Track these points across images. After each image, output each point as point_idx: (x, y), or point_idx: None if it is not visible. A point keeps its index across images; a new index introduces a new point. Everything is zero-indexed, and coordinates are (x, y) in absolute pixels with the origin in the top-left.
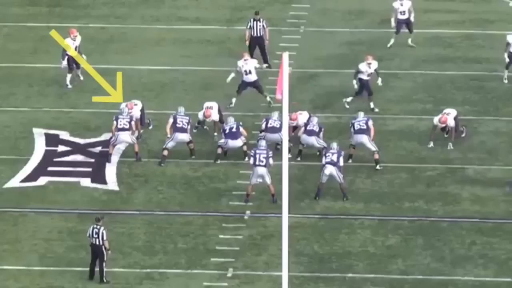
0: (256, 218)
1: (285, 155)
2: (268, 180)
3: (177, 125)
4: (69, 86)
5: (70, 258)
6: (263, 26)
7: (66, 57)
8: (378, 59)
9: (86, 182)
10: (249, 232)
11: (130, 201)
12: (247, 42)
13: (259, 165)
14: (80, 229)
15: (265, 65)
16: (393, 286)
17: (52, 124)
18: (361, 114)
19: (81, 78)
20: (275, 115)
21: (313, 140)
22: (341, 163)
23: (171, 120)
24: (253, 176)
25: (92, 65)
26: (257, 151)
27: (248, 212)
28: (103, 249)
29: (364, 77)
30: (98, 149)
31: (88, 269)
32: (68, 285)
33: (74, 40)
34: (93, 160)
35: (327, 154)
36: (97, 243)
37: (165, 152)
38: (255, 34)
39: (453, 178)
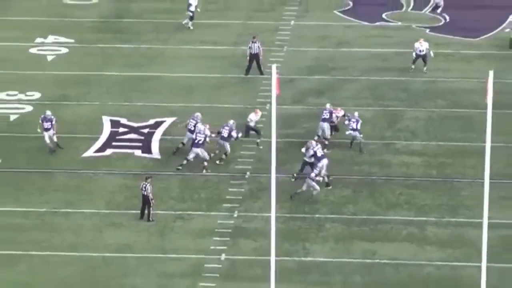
0: (254, 177)
1: (273, 135)
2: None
3: (188, 127)
4: None
5: (127, 204)
6: (258, 46)
7: None
8: (334, 71)
9: (138, 152)
10: (249, 186)
11: (168, 166)
12: (248, 58)
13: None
14: (134, 184)
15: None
16: (346, 223)
17: (115, 113)
18: (355, 114)
19: None
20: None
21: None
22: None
23: (187, 121)
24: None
25: (144, 73)
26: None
27: (248, 173)
28: (150, 198)
29: (418, 52)
30: (146, 130)
31: (139, 211)
32: (126, 223)
33: None
34: (142, 137)
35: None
36: (146, 194)
37: (180, 145)
38: (253, 52)
39: (387, 150)
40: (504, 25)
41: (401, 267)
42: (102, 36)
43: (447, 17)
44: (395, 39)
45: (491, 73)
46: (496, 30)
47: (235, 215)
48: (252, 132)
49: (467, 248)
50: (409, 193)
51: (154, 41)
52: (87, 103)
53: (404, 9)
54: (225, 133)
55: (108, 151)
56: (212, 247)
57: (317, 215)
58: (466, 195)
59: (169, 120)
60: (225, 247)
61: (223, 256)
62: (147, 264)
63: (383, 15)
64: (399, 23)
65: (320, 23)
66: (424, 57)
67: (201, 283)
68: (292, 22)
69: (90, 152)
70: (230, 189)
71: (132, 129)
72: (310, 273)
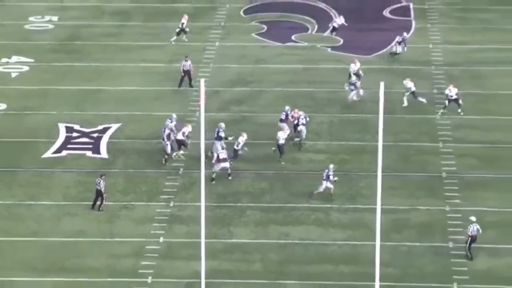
0: (186, 173)
1: (202, 137)
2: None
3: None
4: None
5: (81, 197)
6: (189, 64)
7: None
8: (252, 83)
9: (89, 153)
10: (182, 181)
11: (114, 164)
12: (181, 73)
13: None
14: (86, 180)
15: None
16: (264, 210)
17: (70, 120)
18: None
19: None
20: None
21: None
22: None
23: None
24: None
25: (93, 87)
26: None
27: (181, 169)
28: (102, 192)
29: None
30: (96, 134)
31: (91, 203)
32: (80, 212)
33: None
34: (93, 141)
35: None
36: (99, 188)
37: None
38: (185, 69)
39: (297, 149)
40: (392, 44)
41: (309, 246)
42: (58, 56)
43: (342, 39)
44: (302, 57)
45: (382, 84)
46: (386, 49)
47: (171, 205)
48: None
49: (364, 230)
50: (312, 183)
51: (102, 59)
52: (46, 113)
53: (309, 31)
54: (179, 136)
55: (64, 153)
56: (152, 232)
57: (239, 204)
58: (363, 186)
59: (115, 126)
60: (163, 232)
61: (161, 239)
62: (98, 247)
63: (292, 37)
64: (306, 43)
65: (240, 44)
66: (457, 101)
67: (143, 262)
68: (217, 43)
69: (48, 154)
70: (166, 183)
71: (84, 134)
72: (234, 252)
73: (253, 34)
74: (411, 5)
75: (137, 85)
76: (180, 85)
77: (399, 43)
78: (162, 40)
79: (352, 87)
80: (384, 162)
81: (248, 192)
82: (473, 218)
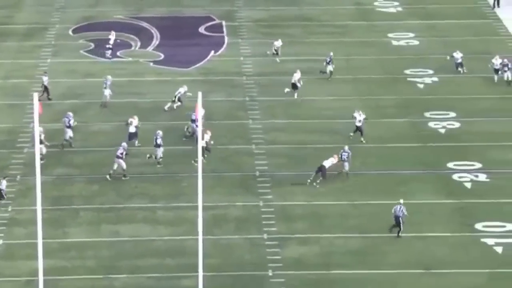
0: (23, 179)
1: (37, 146)
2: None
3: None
4: None
5: None
6: (47, 79)
7: None
8: (82, 96)
9: None
10: (20, 187)
11: None
12: (42, 88)
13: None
14: None
15: None
16: (96, 211)
17: None
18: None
19: None
20: None
21: None
22: None
23: None
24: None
25: None
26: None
27: (18, 176)
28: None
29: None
30: None
31: None
32: None
33: None
34: None
35: None
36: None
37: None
38: (45, 84)
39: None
40: (208, 57)
41: (138, 242)
42: None
43: (162, 54)
44: (127, 71)
45: (200, 93)
46: (202, 62)
47: (10, 209)
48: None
49: (188, 225)
50: (143, 186)
51: None
52: None
53: (133, 48)
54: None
55: None
56: None
57: (73, 206)
58: (185, 185)
59: None
60: (2, 235)
61: (0, 242)
62: None
63: (118, 53)
64: (130, 59)
65: (70, 60)
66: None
67: None
68: (49, 60)
69: None
70: (5, 189)
71: None
72: (70, 251)
73: (81, 51)
74: (224, 23)
75: None
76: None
77: (328, 62)
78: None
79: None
80: (204, 163)
81: (80, 195)
82: (400, 201)
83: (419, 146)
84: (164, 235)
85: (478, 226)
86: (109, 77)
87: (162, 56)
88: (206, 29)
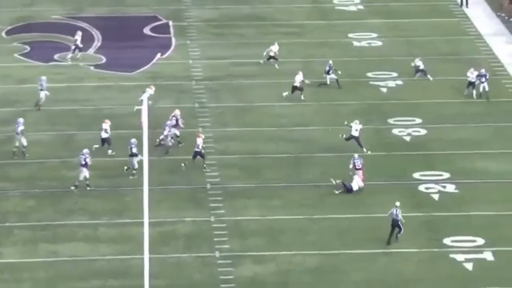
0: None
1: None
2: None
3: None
4: None
5: None
6: None
7: None
8: (18, 103)
9: None
10: None
11: None
12: None
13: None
14: None
15: None
16: (32, 229)
17: None
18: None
19: None
20: None
21: None
22: None
23: None
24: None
25: None
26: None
27: None
28: None
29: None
30: None
31: None
32: None
33: None
34: None
35: None
36: None
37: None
38: None
39: (64, 167)
40: (153, 61)
41: (78, 262)
42: None
43: (104, 58)
44: (65, 76)
45: (144, 98)
46: (147, 66)
47: None
48: None
49: (133, 243)
50: (83, 201)
51: None
52: None
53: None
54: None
55: None
56: None
57: (7, 224)
58: (130, 200)
59: None
60: None
61: None
62: None
63: (55, 56)
64: (69, 63)
65: (3, 64)
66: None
67: None
68: None
69: None
70: None
71: None
72: (3, 272)
73: (16, 55)
74: (171, 23)
75: None
76: None
77: (327, 72)
78: None
79: None
80: (150, 176)
81: (15, 212)
82: (397, 203)
83: (382, 155)
84: (107, 254)
85: (447, 241)
86: (44, 77)
87: (104, 59)
88: (151, 29)
